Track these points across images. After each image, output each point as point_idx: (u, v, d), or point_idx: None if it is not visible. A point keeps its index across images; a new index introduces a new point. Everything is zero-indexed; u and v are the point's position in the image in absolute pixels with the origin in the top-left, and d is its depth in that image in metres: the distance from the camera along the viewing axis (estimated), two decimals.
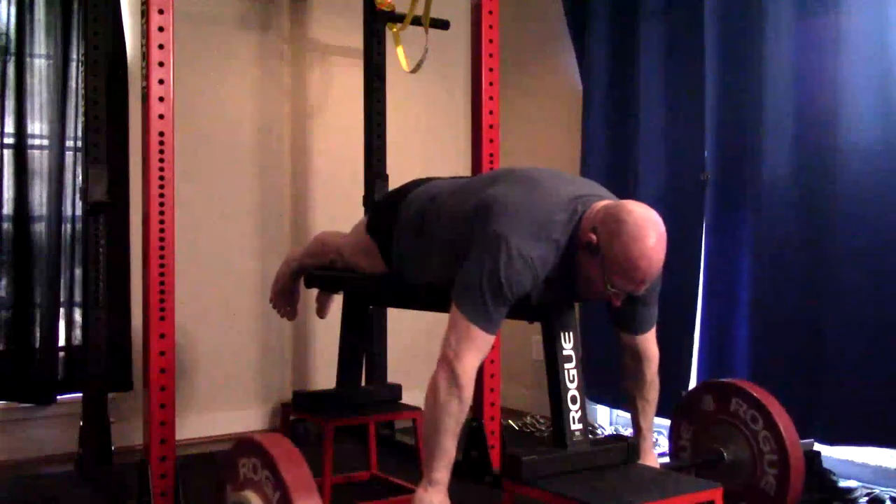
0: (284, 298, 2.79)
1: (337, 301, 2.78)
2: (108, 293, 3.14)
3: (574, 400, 2.00)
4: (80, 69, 3.27)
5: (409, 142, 4.10)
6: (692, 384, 3.24)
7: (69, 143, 3.44)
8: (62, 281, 3.41)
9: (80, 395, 3.19)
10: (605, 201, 1.97)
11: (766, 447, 2.35)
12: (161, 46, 2.46)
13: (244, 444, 1.88)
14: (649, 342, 2.22)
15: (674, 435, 2.61)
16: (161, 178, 2.48)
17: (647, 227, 1.86)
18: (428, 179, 2.42)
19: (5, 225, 3.36)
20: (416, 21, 3.32)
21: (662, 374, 2.27)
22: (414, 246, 2.27)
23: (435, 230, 2.19)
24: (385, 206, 2.47)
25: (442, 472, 1.90)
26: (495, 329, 1.93)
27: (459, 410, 1.89)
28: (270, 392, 3.89)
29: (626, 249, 1.85)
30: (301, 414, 2.72)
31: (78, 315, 3.44)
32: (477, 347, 1.91)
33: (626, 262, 1.86)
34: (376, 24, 3.61)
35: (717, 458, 2.44)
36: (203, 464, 3.16)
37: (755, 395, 2.39)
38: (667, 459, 2.68)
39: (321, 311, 2.87)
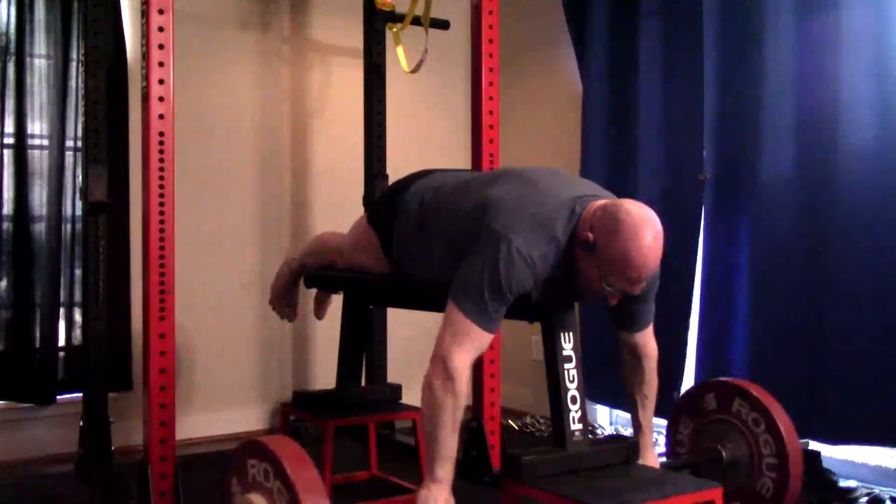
0: (284, 299, 2.79)
1: (337, 301, 2.78)
2: (108, 293, 3.14)
3: (574, 400, 2.00)
4: (80, 69, 3.26)
5: (409, 142, 4.09)
6: (688, 383, 3.24)
7: (69, 143, 3.44)
8: (62, 281, 3.41)
9: (80, 395, 3.18)
10: (603, 200, 1.97)
11: (766, 450, 2.35)
12: (161, 46, 2.46)
13: (254, 446, 1.84)
14: (647, 338, 2.22)
15: (672, 431, 2.61)
16: (161, 177, 2.47)
17: (644, 226, 1.87)
18: (430, 172, 2.42)
19: (5, 225, 3.36)
20: (416, 21, 3.32)
21: (658, 374, 2.27)
22: (414, 239, 2.27)
23: (435, 226, 2.19)
24: (387, 197, 2.46)
25: (444, 470, 1.89)
26: (493, 327, 1.93)
27: (455, 407, 1.89)
28: (270, 392, 3.89)
29: (623, 248, 1.85)
30: (301, 414, 2.72)
31: (78, 315, 3.44)
32: (472, 344, 1.91)
33: (622, 261, 1.86)
34: (376, 24, 3.61)
35: (715, 457, 2.43)
36: (203, 464, 3.15)
37: (758, 396, 2.38)
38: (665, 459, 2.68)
39: (318, 312, 2.87)
